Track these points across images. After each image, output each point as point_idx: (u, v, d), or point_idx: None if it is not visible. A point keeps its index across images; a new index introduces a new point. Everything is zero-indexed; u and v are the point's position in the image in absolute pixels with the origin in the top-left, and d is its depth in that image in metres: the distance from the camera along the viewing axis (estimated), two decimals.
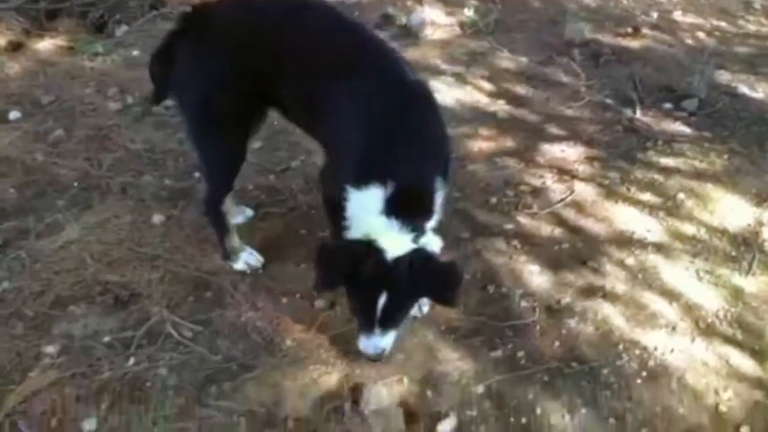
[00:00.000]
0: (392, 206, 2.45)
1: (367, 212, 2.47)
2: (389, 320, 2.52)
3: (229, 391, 2.69)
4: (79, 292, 3.05)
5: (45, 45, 5.02)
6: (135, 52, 4.86)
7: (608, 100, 4.39)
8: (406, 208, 2.46)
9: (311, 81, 2.64)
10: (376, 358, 2.59)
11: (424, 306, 2.98)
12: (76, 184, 3.65)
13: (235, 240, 3.19)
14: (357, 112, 2.54)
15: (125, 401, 2.64)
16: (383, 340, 2.55)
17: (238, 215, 3.38)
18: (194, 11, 2.94)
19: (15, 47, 5.00)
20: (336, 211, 2.56)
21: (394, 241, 2.45)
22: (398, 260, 2.44)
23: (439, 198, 2.53)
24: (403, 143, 2.48)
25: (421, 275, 2.44)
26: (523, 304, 3.02)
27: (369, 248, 2.44)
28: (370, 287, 2.45)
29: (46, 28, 5.24)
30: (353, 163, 2.50)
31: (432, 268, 2.49)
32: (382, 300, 2.45)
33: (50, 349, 2.82)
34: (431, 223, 2.57)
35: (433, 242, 2.60)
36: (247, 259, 3.19)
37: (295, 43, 2.65)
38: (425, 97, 2.66)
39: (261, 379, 2.74)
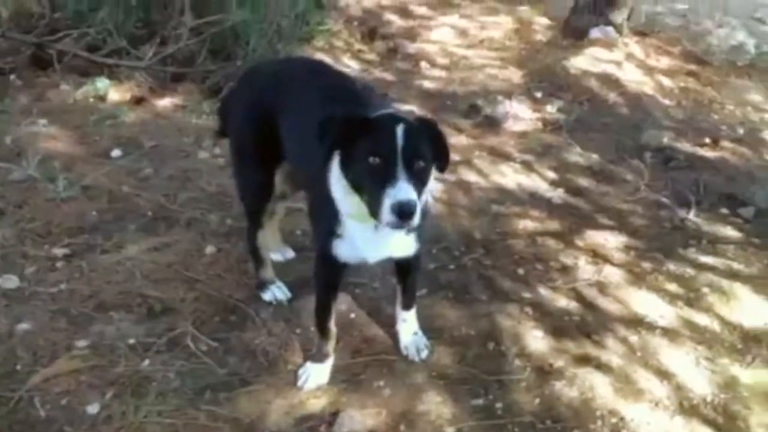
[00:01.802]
0: None
1: None
2: (413, 169, 2.41)
3: (222, 400, 2.93)
4: (121, 301, 3.40)
5: (163, 102, 5.60)
6: None
7: (665, 200, 4.46)
8: None
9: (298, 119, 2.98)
10: (409, 211, 2.35)
11: (422, 351, 3.15)
12: (150, 213, 4.06)
13: (268, 273, 3.49)
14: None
15: (129, 394, 2.92)
16: (412, 190, 2.37)
17: (278, 253, 3.69)
18: (247, 69, 3.56)
19: (137, 101, 5.61)
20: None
21: None
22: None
23: None
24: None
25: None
26: (516, 362, 3.12)
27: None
28: (386, 131, 2.44)
29: (169, 88, 5.84)
30: None
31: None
32: (401, 136, 2.41)
33: (81, 342, 3.16)
34: None
35: None
36: (275, 291, 3.47)
37: (292, 94, 3.04)
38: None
39: (255, 395, 2.96)
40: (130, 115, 5.31)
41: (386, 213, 2.37)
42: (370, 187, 2.45)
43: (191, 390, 2.97)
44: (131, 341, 3.18)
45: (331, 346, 3.07)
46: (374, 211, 2.43)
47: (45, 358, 3.08)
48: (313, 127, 2.71)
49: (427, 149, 2.49)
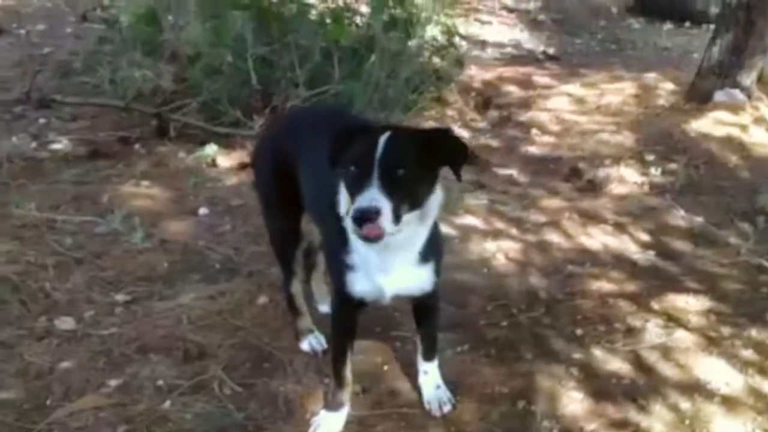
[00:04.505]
0: None
1: None
2: (391, 177, 2.33)
3: None
4: (162, 344, 3.44)
5: None
6: None
7: (767, 264, 4.02)
8: None
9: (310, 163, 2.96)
10: (366, 217, 2.28)
11: (445, 405, 2.97)
12: (217, 266, 4.12)
13: (305, 323, 3.43)
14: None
15: None
16: (381, 198, 2.29)
17: (324, 305, 3.62)
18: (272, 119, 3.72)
19: (243, 167, 5.79)
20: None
21: None
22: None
23: None
24: None
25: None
26: (545, 423, 2.88)
27: None
28: (367, 141, 2.41)
29: None
30: None
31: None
32: (382, 143, 2.37)
33: (113, 382, 3.21)
34: None
35: None
36: (312, 341, 3.40)
37: (306, 141, 3.01)
38: None
39: None
40: (232, 178, 5.46)
41: (349, 222, 2.31)
42: (350, 196, 2.41)
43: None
44: (160, 382, 3.20)
45: (346, 394, 2.95)
46: None
47: (75, 395, 3.13)
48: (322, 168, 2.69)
49: (412, 157, 2.39)
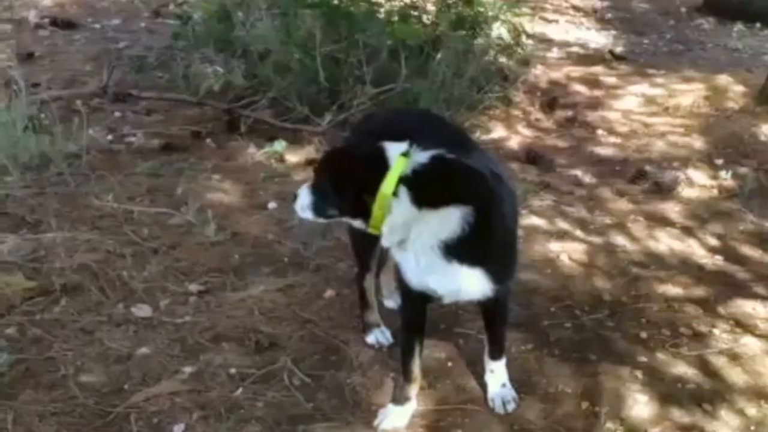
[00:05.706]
0: None
1: None
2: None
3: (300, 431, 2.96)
4: (234, 334, 3.56)
5: None
6: None
7: None
8: None
9: None
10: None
11: (508, 404, 3.02)
12: (286, 259, 4.23)
13: (373, 317, 3.52)
14: None
15: (214, 418, 3.04)
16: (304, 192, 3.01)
17: (391, 300, 3.70)
18: (362, 118, 4.14)
19: (310, 162, 5.90)
20: None
21: None
22: None
23: None
24: None
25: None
26: (608, 425, 2.92)
27: None
28: None
29: None
30: None
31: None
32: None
33: (188, 369, 3.34)
34: None
35: None
36: (378, 335, 3.49)
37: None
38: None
39: (331, 430, 2.98)
40: (300, 174, 5.57)
41: None
42: None
43: (273, 419, 3.04)
44: (232, 371, 3.32)
45: (413, 390, 3.03)
46: None
47: (152, 380, 3.27)
48: None
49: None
